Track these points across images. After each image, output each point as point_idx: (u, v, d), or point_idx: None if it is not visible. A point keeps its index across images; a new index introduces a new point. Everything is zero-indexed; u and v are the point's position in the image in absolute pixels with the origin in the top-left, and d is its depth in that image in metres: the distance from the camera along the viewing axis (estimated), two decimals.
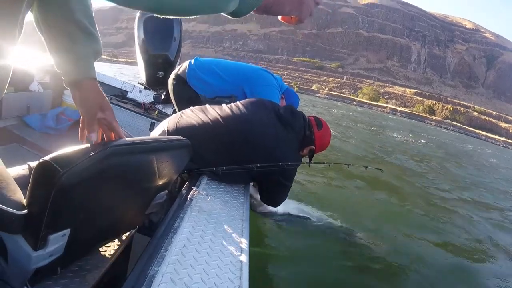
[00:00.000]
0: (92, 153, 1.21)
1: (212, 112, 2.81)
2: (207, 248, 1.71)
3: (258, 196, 3.59)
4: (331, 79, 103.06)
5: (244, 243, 1.89)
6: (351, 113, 38.37)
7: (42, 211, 1.17)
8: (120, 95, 5.57)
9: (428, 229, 6.05)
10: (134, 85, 5.70)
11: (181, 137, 2.04)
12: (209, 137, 2.66)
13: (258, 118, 2.79)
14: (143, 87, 5.61)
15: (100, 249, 1.79)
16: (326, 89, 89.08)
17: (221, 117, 2.74)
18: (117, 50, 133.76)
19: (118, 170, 1.40)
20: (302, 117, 2.99)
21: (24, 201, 1.23)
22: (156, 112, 5.16)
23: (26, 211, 1.20)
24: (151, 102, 5.39)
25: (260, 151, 2.69)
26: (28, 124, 4.40)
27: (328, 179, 7.35)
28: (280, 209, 4.48)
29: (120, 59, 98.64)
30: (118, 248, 1.84)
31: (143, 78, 5.31)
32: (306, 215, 5.10)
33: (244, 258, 1.76)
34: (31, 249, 1.24)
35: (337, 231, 4.86)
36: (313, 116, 3.14)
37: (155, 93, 5.47)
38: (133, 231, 2.01)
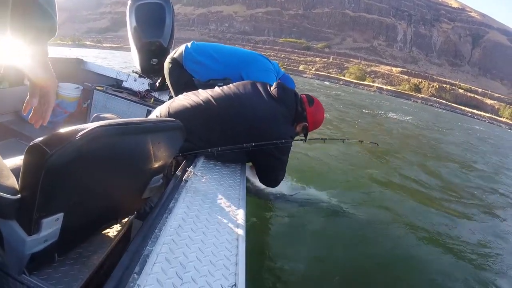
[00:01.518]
0: (80, 134, 1.19)
1: (204, 94, 2.81)
2: (202, 227, 1.71)
3: (255, 180, 3.58)
4: (317, 59, 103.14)
5: (241, 221, 1.89)
6: (339, 92, 38.47)
7: (34, 194, 1.16)
8: (115, 85, 5.52)
9: (423, 205, 6.10)
10: (129, 74, 5.66)
11: (172, 119, 1.99)
12: (202, 118, 2.65)
13: (250, 95, 2.80)
14: (137, 75, 5.56)
15: (99, 235, 1.78)
16: (313, 69, 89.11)
17: (213, 97, 2.74)
18: (101, 36, 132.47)
19: (107, 151, 1.38)
20: (294, 94, 2.98)
21: (17, 186, 1.22)
22: (152, 99, 5.15)
23: (19, 195, 1.19)
24: (147, 90, 5.37)
25: (253, 125, 2.69)
26: (25, 119, 4.33)
27: (324, 155, 7.37)
28: (276, 190, 4.46)
29: (104, 45, 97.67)
30: (117, 234, 1.83)
31: (137, 66, 5.26)
32: (302, 195, 5.11)
33: (241, 235, 1.75)
34: (25, 234, 1.24)
35: (333, 210, 4.87)
36: (305, 94, 3.14)
37: (150, 81, 5.43)
38: (132, 217, 2.00)
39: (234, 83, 2.99)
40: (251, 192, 4.07)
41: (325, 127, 11.21)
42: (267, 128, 2.70)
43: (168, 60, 4.05)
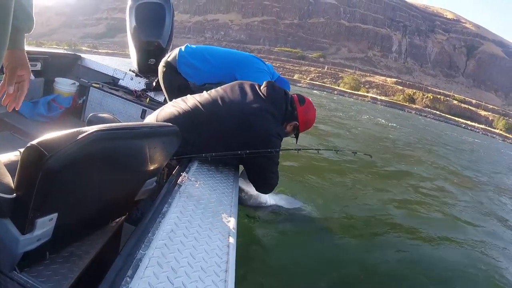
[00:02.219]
0: (78, 137, 1.21)
1: (192, 100, 2.83)
2: (194, 233, 1.72)
3: (248, 190, 3.59)
4: (312, 68, 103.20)
5: (232, 228, 1.90)
6: (332, 103, 38.49)
7: (30, 194, 1.18)
8: (111, 82, 5.57)
9: (418, 213, 6.14)
10: (126, 72, 5.67)
11: (169, 124, 2.03)
12: (191, 124, 2.67)
13: (237, 95, 2.82)
14: (134, 74, 5.59)
15: (90, 235, 1.80)
16: (308, 78, 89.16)
17: (200, 103, 2.76)
18: (97, 41, 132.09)
19: (104, 155, 1.40)
20: (284, 93, 2.98)
21: (13, 185, 1.24)
22: (148, 99, 5.15)
23: (14, 194, 1.22)
24: (143, 89, 5.38)
25: (241, 123, 2.70)
26: (20, 112, 4.40)
27: (317, 166, 7.36)
28: (270, 201, 4.49)
29: (100, 50, 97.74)
30: (107, 235, 1.84)
31: (134, 65, 5.31)
32: (296, 206, 5.09)
33: (232, 243, 1.77)
34: (19, 233, 1.26)
35: (326, 220, 4.88)
36: (296, 94, 3.15)
37: (147, 80, 5.45)
38: (122, 217, 2.01)
39: (222, 86, 3.00)
40: (245, 203, 4.02)
41: (319, 137, 11.26)
42: (255, 125, 2.71)
43: (162, 64, 4.08)
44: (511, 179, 13.22)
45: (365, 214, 5.49)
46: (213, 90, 2.94)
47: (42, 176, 1.15)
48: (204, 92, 2.96)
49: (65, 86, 5.17)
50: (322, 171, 7.28)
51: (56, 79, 5.14)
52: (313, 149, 3.66)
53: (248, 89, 2.91)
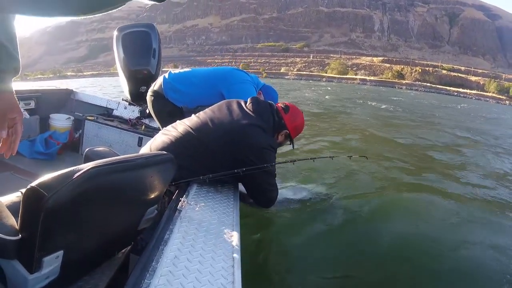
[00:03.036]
0: (74, 176, 1.26)
1: (182, 126, 2.89)
2: (198, 256, 1.75)
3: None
4: (298, 59, 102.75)
5: (236, 247, 1.93)
6: (321, 91, 38.24)
7: (34, 234, 1.23)
8: (105, 114, 5.58)
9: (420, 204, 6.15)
10: (119, 102, 5.69)
11: (163, 152, 2.09)
12: (185, 149, 2.71)
13: (225, 114, 2.87)
14: (127, 103, 5.61)
15: (98, 268, 1.83)
16: (295, 70, 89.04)
17: (190, 127, 2.81)
18: (81, 64, 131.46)
19: (102, 190, 1.44)
20: (269, 105, 3.04)
21: (17, 226, 1.29)
22: (143, 126, 5.16)
23: (19, 236, 1.27)
24: (137, 117, 5.40)
25: (234, 141, 2.74)
26: (19, 152, 4.37)
27: (316, 171, 7.36)
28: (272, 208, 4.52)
29: (85, 73, 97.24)
30: (115, 267, 1.88)
31: (126, 94, 5.35)
32: (298, 205, 5.06)
33: (236, 262, 1.80)
34: (27, 273, 1.30)
35: (330, 228, 4.88)
36: (280, 103, 3.20)
37: (140, 108, 5.47)
38: (129, 248, 2.05)
39: (209, 108, 3.04)
40: (247, 202, 4.08)
41: (314, 136, 11.26)
42: (246, 141, 2.75)
43: (149, 93, 4.14)
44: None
45: (368, 212, 5.49)
46: (201, 112, 3.00)
47: (44, 216, 1.20)
48: (193, 115, 3.00)
49: (60, 121, 5.22)
50: (321, 178, 7.30)
51: (51, 115, 5.19)
52: (308, 159, 3.72)
53: (235, 106, 2.96)
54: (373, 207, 5.32)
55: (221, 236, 2.02)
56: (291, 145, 3.31)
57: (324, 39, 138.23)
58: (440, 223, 4.97)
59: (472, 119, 22.20)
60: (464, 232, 4.76)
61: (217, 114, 2.90)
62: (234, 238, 2.03)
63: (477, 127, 17.17)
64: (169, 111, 3.95)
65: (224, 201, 2.57)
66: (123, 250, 2.03)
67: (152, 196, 1.93)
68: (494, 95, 59.80)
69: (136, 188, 1.75)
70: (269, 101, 3.14)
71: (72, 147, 5.39)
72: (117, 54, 4.99)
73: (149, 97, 4.18)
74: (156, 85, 4.13)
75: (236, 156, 2.75)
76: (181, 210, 2.17)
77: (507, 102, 54.61)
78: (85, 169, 1.30)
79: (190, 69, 4.27)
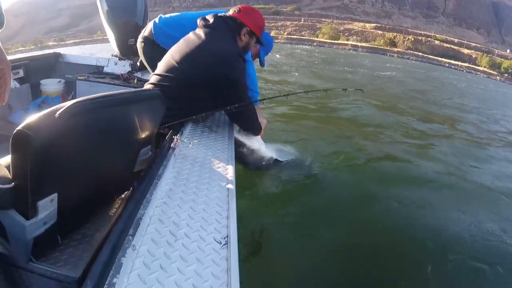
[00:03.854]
0: (58, 113, 1.22)
1: (159, 70, 2.89)
2: (193, 188, 1.76)
3: (250, 144, 3.64)
4: (289, 23, 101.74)
5: (231, 179, 1.94)
6: (313, 54, 38.21)
7: (25, 179, 1.20)
8: (96, 72, 5.50)
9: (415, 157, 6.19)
10: (109, 59, 5.62)
11: (149, 88, 2.03)
12: (170, 90, 2.66)
13: (185, 45, 2.83)
14: (117, 58, 5.55)
15: (100, 214, 1.82)
16: (285, 33, 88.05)
17: (165, 70, 2.82)
18: (63, 33, 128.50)
19: (89, 126, 1.40)
20: (219, 15, 2.97)
21: (10, 176, 1.25)
22: (135, 80, 5.12)
23: (12, 184, 1.23)
24: (129, 72, 5.33)
25: (198, 64, 2.70)
26: (13, 123, 4.34)
27: (310, 109, 7.35)
28: (268, 154, 4.53)
29: (68, 42, 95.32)
30: (116, 211, 1.86)
31: (115, 49, 5.30)
32: (293, 157, 5.13)
33: (231, 191, 1.80)
34: (24, 220, 1.28)
35: (325, 173, 4.91)
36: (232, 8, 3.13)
37: (131, 62, 5.41)
38: (128, 192, 2.02)
39: (175, 45, 2.99)
40: (246, 163, 4.07)
41: (306, 83, 11.26)
42: (209, 53, 2.71)
43: (139, 40, 4.06)
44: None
45: (364, 156, 5.54)
46: (169, 52, 2.97)
47: (32, 157, 1.17)
48: (165, 56, 2.98)
49: (51, 86, 5.13)
50: (316, 113, 7.30)
51: (42, 81, 5.09)
52: (301, 92, 3.66)
53: (191, 34, 2.91)
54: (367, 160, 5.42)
55: (216, 170, 2.03)
56: (260, 43, 3.22)
57: (316, 3, 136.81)
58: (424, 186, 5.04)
59: (463, 91, 22.40)
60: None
61: (181, 47, 2.85)
62: (229, 171, 2.04)
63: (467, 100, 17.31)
64: (160, 56, 3.87)
65: (219, 139, 2.58)
66: (123, 196, 2.01)
67: (143, 135, 1.89)
68: (485, 69, 59.91)
69: (124, 126, 1.71)
70: (218, 14, 3.04)
71: None
72: (101, 8, 4.87)
73: (139, 44, 4.09)
74: (146, 30, 4.04)
75: (208, 79, 2.71)
76: (175, 148, 2.18)
77: (498, 77, 54.76)
78: (68, 105, 1.26)
79: (179, 13, 4.16)
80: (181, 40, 2.93)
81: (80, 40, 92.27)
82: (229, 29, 2.89)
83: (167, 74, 2.76)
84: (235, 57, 2.76)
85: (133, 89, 2.50)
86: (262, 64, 3.88)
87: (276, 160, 4.62)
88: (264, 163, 4.34)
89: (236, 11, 2.99)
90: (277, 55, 25.31)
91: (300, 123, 6.64)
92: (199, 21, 2.93)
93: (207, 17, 2.93)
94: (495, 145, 8.25)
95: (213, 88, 2.74)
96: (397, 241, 3.77)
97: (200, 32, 2.83)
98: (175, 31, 3.80)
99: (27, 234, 1.31)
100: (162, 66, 2.87)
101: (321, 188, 4.49)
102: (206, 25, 2.83)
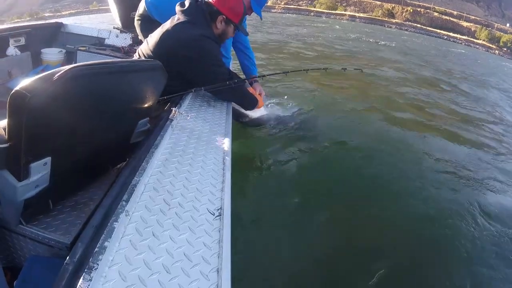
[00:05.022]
0: (56, 75, 1.20)
1: (140, 54, 2.92)
2: (189, 159, 1.77)
3: (251, 114, 3.84)
4: None
5: (227, 153, 1.95)
6: (314, 24, 37.74)
7: (19, 139, 1.20)
8: (97, 43, 5.49)
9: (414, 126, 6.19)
10: (110, 31, 5.59)
11: (151, 59, 2.02)
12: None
13: (159, 31, 2.84)
14: (119, 31, 5.51)
15: (94, 183, 1.84)
16: (282, 3, 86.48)
17: (149, 54, 2.81)
18: (58, 4, 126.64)
19: (86, 92, 1.39)
20: (195, 1, 2.89)
21: (5, 136, 1.24)
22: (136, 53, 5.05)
23: (7, 144, 1.23)
24: (130, 45, 5.32)
25: (170, 50, 2.70)
26: (12, 89, 4.34)
27: (309, 88, 7.32)
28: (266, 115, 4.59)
29: (64, 13, 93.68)
30: (110, 181, 1.84)
31: (117, 21, 5.24)
32: (289, 113, 5.35)
33: (227, 165, 1.82)
34: (15, 180, 1.28)
35: (325, 145, 4.88)
36: None
37: (132, 35, 5.37)
38: (123, 164, 2.01)
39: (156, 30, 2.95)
40: (242, 120, 4.13)
41: (304, 60, 11.18)
42: (177, 40, 2.68)
43: (136, 18, 4.04)
44: None
45: (368, 135, 5.48)
46: (149, 36, 2.94)
47: (27, 117, 1.16)
48: (144, 41, 2.97)
49: (52, 55, 5.13)
50: (316, 91, 7.28)
51: (43, 50, 5.08)
52: (301, 70, 3.70)
53: (168, 21, 2.86)
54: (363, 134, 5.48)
55: (213, 143, 2.04)
56: (241, 31, 3.16)
57: None
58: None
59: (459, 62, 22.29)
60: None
61: (156, 35, 2.83)
62: (226, 144, 2.06)
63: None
64: None
65: (217, 113, 2.59)
66: (118, 166, 2.03)
67: (142, 106, 1.88)
68: (484, 43, 59.43)
69: (124, 95, 1.70)
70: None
71: None
72: None
73: (136, 23, 4.08)
74: (140, 8, 4.02)
75: (181, 62, 2.70)
76: (173, 120, 2.18)
77: (496, 51, 54.38)
78: (67, 69, 1.25)
79: None
80: (160, 27, 2.88)
81: (76, 10, 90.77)
82: (203, 17, 2.82)
83: (154, 56, 2.74)
84: (202, 39, 2.71)
85: (131, 59, 2.50)
86: (259, 15, 3.77)
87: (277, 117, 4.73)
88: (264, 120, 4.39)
89: None
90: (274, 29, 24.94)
91: (302, 97, 6.62)
92: (177, 6, 2.87)
93: (185, 2, 2.86)
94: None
95: (184, 71, 2.74)
96: (396, 220, 3.75)
97: (174, 19, 2.79)
98: (168, 4, 3.78)
99: (18, 195, 1.33)
100: (141, 50, 2.88)
101: (320, 165, 4.45)
102: (182, 11, 2.78)
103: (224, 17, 2.87)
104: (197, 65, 2.72)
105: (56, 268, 1.41)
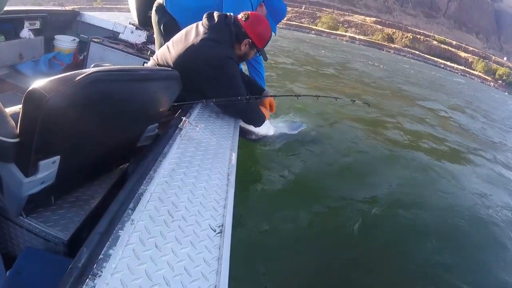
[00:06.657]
0: (77, 78, 1.21)
1: (158, 57, 2.90)
2: (194, 172, 1.78)
3: (257, 131, 3.90)
4: (289, 8, 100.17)
5: (232, 169, 1.96)
6: (313, 42, 38.01)
7: (32, 136, 1.20)
8: (111, 37, 5.50)
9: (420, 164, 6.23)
10: (126, 26, 5.61)
11: (169, 68, 2.05)
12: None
13: (182, 41, 2.81)
14: (135, 27, 5.51)
15: (96, 181, 1.86)
16: (285, 19, 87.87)
17: (161, 60, 2.84)
18: None
19: (104, 97, 1.40)
20: (224, 17, 2.86)
21: (17, 131, 1.25)
22: (149, 52, 5.10)
23: (18, 139, 1.23)
24: (143, 42, 5.35)
25: (192, 64, 2.68)
26: (21, 72, 4.45)
27: (320, 113, 7.37)
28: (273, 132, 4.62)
29: (67, 8, 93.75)
30: (112, 181, 1.91)
31: (134, 18, 5.15)
32: (296, 130, 5.38)
33: (231, 182, 1.83)
34: (23, 176, 1.29)
35: (328, 164, 4.94)
36: (242, 12, 2.99)
37: (147, 33, 5.38)
38: (127, 165, 2.06)
39: (174, 38, 2.93)
40: (249, 137, 4.18)
41: (312, 82, 11.25)
42: (200, 57, 2.65)
43: (154, 7, 3.98)
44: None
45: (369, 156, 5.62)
46: (170, 41, 2.92)
47: (43, 117, 1.16)
48: (165, 45, 2.93)
49: (65, 43, 5.15)
50: (322, 114, 7.36)
51: (56, 36, 5.10)
52: (312, 95, 3.75)
53: (193, 30, 2.83)
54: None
55: (219, 157, 2.06)
56: (262, 56, 3.15)
57: None
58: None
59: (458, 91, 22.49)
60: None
61: (178, 44, 2.79)
62: (231, 161, 2.08)
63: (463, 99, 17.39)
64: (170, 26, 3.81)
65: (225, 126, 2.61)
66: (121, 166, 2.07)
67: (154, 112, 1.92)
68: (480, 74, 59.98)
69: (138, 101, 1.72)
70: (226, 13, 2.94)
71: (75, 68, 5.12)
72: None
73: (153, 12, 4.02)
74: (156, 2, 3.98)
75: (203, 77, 2.70)
76: (182, 129, 2.19)
77: (491, 83, 54.96)
78: (88, 73, 1.25)
79: None
80: (183, 32, 2.84)
81: (79, 6, 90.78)
82: (230, 36, 2.79)
83: (163, 65, 2.74)
84: (224, 60, 2.71)
85: (149, 67, 2.51)
86: (273, 31, 3.79)
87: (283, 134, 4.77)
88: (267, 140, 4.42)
89: (244, 18, 2.85)
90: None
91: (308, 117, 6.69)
92: (204, 18, 2.82)
93: (214, 15, 2.82)
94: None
95: (204, 89, 2.77)
96: (395, 220, 4.03)
97: (200, 30, 2.75)
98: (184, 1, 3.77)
99: (23, 190, 1.34)
100: (159, 54, 2.83)
101: (324, 184, 4.51)
102: (209, 26, 2.74)
103: (250, 41, 2.85)
104: (219, 86, 2.73)
105: (50, 263, 1.43)
